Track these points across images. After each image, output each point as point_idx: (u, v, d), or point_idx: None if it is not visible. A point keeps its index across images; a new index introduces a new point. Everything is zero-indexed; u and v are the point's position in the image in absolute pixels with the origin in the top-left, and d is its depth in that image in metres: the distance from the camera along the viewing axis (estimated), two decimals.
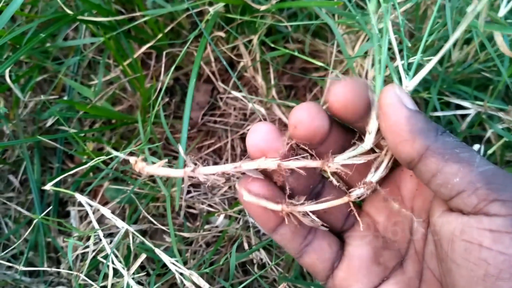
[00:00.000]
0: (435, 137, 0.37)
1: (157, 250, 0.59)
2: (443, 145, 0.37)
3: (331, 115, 0.43)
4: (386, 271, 0.46)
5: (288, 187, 0.44)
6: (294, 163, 0.42)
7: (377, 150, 0.44)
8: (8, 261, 0.90)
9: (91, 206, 0.58)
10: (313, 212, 0.43)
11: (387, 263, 0.46)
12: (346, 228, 0.48)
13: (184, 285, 0.58)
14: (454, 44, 0.78)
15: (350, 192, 0.42)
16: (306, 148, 0.42)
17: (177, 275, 0.57)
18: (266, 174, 0.45)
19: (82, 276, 0.65)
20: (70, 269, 0.82)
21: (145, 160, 0.42)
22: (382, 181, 0.47)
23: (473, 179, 0.35)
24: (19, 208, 0.85)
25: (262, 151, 0.42)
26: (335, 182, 0.43)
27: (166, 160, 0.42)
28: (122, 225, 0.59)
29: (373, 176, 0.42)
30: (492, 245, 0.34)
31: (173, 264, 0.58)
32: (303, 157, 0.43)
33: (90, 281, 0.69)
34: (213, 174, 0.41)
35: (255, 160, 0.42)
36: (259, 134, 0.42)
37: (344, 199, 0.42)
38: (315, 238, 0.47)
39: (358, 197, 0.42)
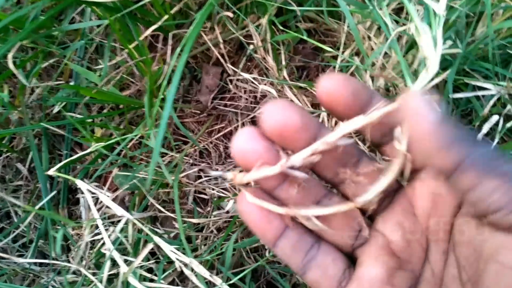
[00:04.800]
0: (471, 147, 0.33)
1: (156, 238, 0.57)
2: (481, 157, 0.32)
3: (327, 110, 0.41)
4: None
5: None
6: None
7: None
8: (18, 250, 0.89)
9: (92, 193, 0.56)
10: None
11: (400, 285, 0.42)
12: (357, 246, 0.44)
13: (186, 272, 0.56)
14: (479, 19, 0.74)
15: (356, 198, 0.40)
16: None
17: (177, 263, 0.55)
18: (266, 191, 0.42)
19: (74, 265, 0.63)
20: (81, 259, 0.81)
21: (241, 171, 0.40)
22: (394, 197, 0.44)
23: None
24: (16, 201, 0.84)
25: (245, 154, 0.39)
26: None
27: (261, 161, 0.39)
28: (122, 214, 0.57)
29: (380, 184, 0.39)
30: None
31: (173, 252, 0.56)
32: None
33: (85, 274, 0.68)
34: (308, 157, 0.38)
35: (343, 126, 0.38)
36: (241, 138, 0.39)
37: (350, 205, 0.39)
38: (319, 253, 0.43)
39: (364, 203, 0.39)
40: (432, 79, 0.38)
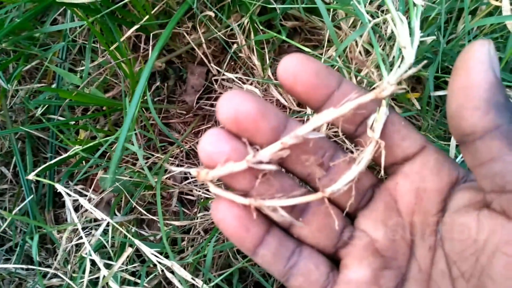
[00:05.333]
0: (510, 118, 0.31)
1: (137, 242, 0.56)
2: None
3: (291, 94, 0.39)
4: None
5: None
6: None
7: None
8: (4, 254, 0.88)
9: (69, 195, 0.56)
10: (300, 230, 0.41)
11: (387, 285, 0.41)
12: (340, 246, 0.43)
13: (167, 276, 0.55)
14: (460, 15, 0.73)
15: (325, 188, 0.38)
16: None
17: (159, 266, 0.55)
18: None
19: (52, 270, 0.62)
20: (66, 262, 0.80)
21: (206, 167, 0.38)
22: (375, 192, 0.43)
23: None
24: None
25: (211, 156, 0.37)
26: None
27: (226, 158, 0.37)
28: (102, 217, 0.56)
29: (350, 173, 0.38)
30: None
31: (154, 255, 0.55)
32: None
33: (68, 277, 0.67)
34: (277, 152, 0.36)
35: (310, 123, 0.37)
36: (208, 140, 0.37)
37: (318, 195, 0.38)
38: (300, 259, 0.41)
39: (334, 193, 0.38)
40: (408, 69, 0.37)
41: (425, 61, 0.40)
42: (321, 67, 0.38)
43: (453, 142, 0.61)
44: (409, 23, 0.39)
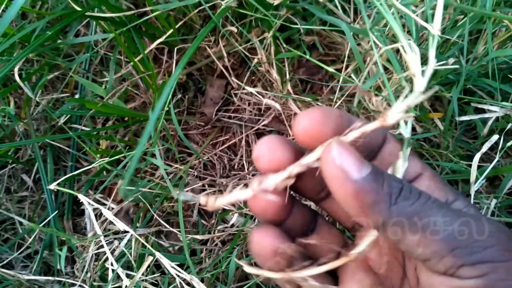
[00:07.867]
0: (388, 209, 0.34)
1: (158, 254, 0.57)
2: (399, 215, 0.34)
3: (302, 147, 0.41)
4: None
5: (286, 228, 0.43)
6: None
7: None
8: (23, 261, 0.89)
9: (91, 205, 0.57)
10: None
11: None
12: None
13: None
14: (479, 37, 0.74)
15: (349, 251, 0.40)
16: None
17: (178, 280, 0.56)
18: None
19: (78, 282, 0.63)
20: (86, 271, 0.81)
21: (213, 194, 0.40)
22: None
23: (436, 248, 0.34)
24: (21, 219, 0.84)
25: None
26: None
27: (231, 186, 0.40)
28: (125, 229, 0.57)
29: (373, 234, 0.39)
30: None
31: (174, 268, 0.56)
32: None
33: None
34: (283, 180, 0.38)
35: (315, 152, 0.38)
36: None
37: (344, 260, 0.39)
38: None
39: (358, 256, 0.39)
40: (418, 97, 0.37)
41: (436, 88, 0.40)
42: (337, 120, 0.38)
43: (475, 163, 0.62)
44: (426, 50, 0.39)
